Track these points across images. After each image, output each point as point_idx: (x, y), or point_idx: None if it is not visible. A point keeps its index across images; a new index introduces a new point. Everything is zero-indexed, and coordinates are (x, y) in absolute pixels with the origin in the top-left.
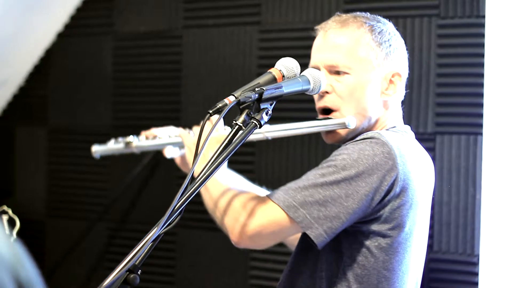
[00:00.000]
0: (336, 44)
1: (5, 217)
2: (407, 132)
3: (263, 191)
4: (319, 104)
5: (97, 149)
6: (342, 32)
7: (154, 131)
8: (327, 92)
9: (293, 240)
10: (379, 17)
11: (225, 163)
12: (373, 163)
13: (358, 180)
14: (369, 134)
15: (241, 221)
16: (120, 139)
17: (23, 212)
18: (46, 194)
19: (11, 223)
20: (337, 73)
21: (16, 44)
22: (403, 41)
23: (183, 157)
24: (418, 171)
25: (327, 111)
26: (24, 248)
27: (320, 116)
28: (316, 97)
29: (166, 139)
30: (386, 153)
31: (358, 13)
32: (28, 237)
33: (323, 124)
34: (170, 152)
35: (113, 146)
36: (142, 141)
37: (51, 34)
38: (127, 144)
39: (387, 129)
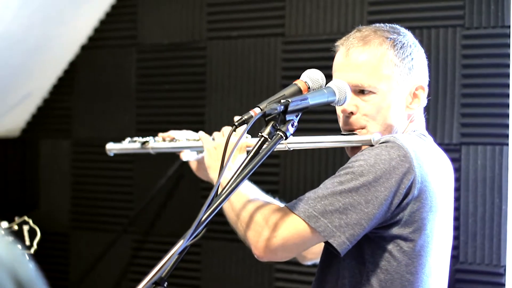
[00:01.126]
0: (360, 64)
1: (26, 228)
2: (425, 135)
3: (281, 205)
4: (345, 126)
5: (111, 147)
6: (364, 50)
7: (172, 133)
8: (352, 113)
9: (310, 255)
10: (398, 27)
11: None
12: (390, 167)
13: (377, 185)
14: (384, 138)
15: (264, 235)
16: (136, 138)
17: (47, 225)
18: (70, 206)
19: (32, 233)
20: (362, 92)
21: (40, 57)
22: (422, 50)
23: (199, 162)
24: (435, 173)
25: (352, 131)
26: (47, 260)
27: (345, 131)
28: (341, 116)
29: (184, 142)
30: (402, 156)
31: (377, 25)
32: (53, 249)
33: (348, 140)
34: (186, 156)
35: (128, 145)
36: (158, 142)
37: (75, 47)
38: (143, 144)
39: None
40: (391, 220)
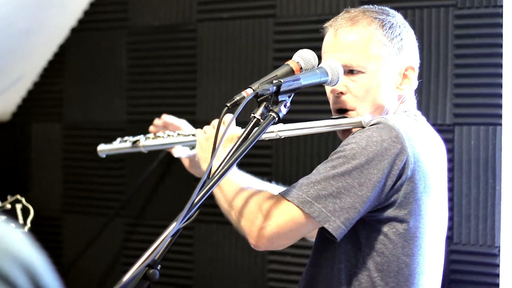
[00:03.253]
0: (348, 43)
1: (19, 206)
2: (417, 116)
3: (277, 188)
4: (335, 106)
5: (102, 148)
6: (352, 30)
7: (165, 118)
8: (341, 93)
9: (314, 233)
10: (387, 8)
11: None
12: (382, 149)
13: (369, 167)
14: (375, 119)
15: (258, 224)
16: (126, 137)
17: (39, 208)
18: (62, 190)
19: (25, 212)
20: (351, 72)
21: (30, 40)
22: (412, 32)
23: (191, 159)
24: (428, 153)
25: (343, 111)
26: (39, 244)
27: (335, 115)
28: (331, 97)
29: (175, 138)
30: (394, 137)
31: (366, 6)
32: (44, 233)
33: (338, 123)
34: (178, 152)
35: (119, 145)
36: (149, 140)
37: (65, 30)
38: (134, 143)
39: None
40: (386, 202)
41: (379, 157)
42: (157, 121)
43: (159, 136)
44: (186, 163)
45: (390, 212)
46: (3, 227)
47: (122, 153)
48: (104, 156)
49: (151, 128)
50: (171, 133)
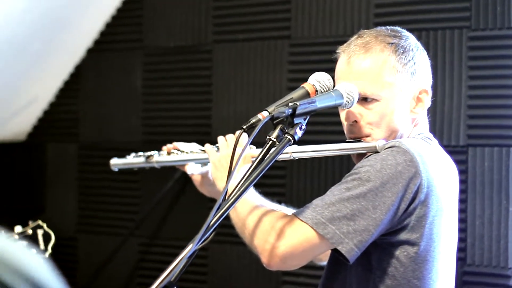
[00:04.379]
0: (362, 71)
1: (40, 232)
2: (430, 139)
3: (288, 210)
4: (350, 135)
5: (115, 162)
6: (366, 57)
7: (177, 144)
8: (355, 122)
9: (323, 256)
10: (400, 29)
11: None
12: (397, 172)
13: (384, 190)
14: (390, 143)
15: (271, 243)
16: (140, 153)
17: (54, 229)
18: (77, 210)
19: (46, 237)
20: (365, 100)
21: (46, 60)
22: (425, 52)
23: (203, 176)
24: (441, 177)
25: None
26: (55, 264)
27: (350, 139)
28: (345, 124)
29: (189, 155)
30: (409, 161)
31: (378, 29)
32: (60, 253)
33: (353, 147)
34: (191, 169)
35: (133, 160)
36: (163, 156)
37: (81, 50)
38: (147, 158)
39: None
40: (398, 225)
41: (393, 180)
42: (168, 146)
43: (172, 153)
44: (197, 181)
45: (402, 235)
46: (22, 250)
47: (135, 168)
48: (116, 170)
49: (164, 147)
50: (184, 150)
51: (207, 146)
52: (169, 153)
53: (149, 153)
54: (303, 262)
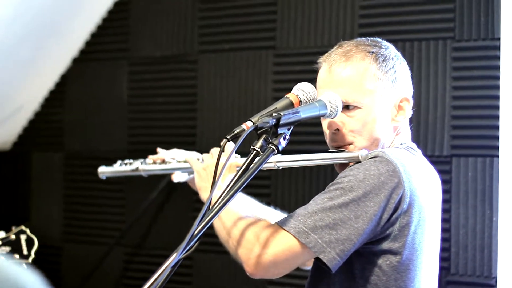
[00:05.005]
0: (343, 79)
1: (23, 237)
2: (414, 149)
3: (276, 213)
4: (333, 143)
5: (103, 171)
6: (346, 65)
7: (161, 154)
8: (338, 130)
9: (309, 262)
10: (379, 40)
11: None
12: (379, 182)
13: (366, 200)
14: (373, 153)
15: (255, 252)
16: (126, 161)
17: (39, 237)
18: (62, 219)
19: (30, 243)
20: (347, 108)
21: (31, 70)
22: (405, 61)
23: (191, 182)
24: (424, 187)
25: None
26: (39, 273)
27: (333, 147)
28: (327, 132)
29: (174, 164)
30: (391, 171)
31: (359, 39)
32: (45, 262)
33: (336, 157)
34: (178, 177)
35: (120, 168)
36: (149, 165)
37: (66, 60)
38: (134, 167)
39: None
40: (381, 235)
41: (376, 190)
42: (153, 157)
43: (157, 162)
44: (189, 182)
45: (384, 245)
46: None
47: (122, 176)
48: (104, 178)
49: (149, 157)
50: (170, 160)
51: (188, 156)
52: (154, 162)
53: (136, 161)
54: (286, 270)
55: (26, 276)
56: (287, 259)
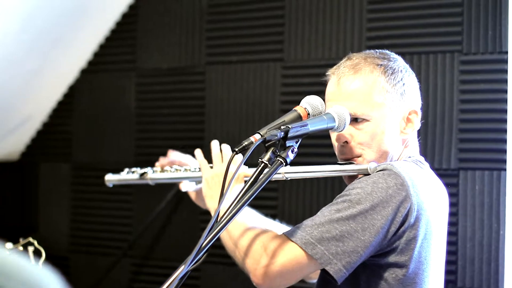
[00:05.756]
0: (351, 92)
1: (31, 249)
2: (422, 162)
3: (281, 226)
4: (341, 156)
5: (110, 178)
6: (355, 78)
7: (172, 155)
8: (346, 142)
9: (313, 275)
10: (388, 52)
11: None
12: (387, 195)
13: (373, 213)
14: (381, 166)
15: (262, 263)
16: (134, 169)
17: (47, 248)
18: (70, 230)
19: (37, 254)
20: (355, 120)
21: (40, 81)
22: (413, 74)
23: (198, 192)
24: (431, 201)
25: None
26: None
27: (341, 160)
28: (336, 145)
29: (183, 172)
30: (399, 185)
31: (367, 52)
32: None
33: (345, 169)
34: (185, 186)
35: (127, 176)
36: (157, 173)
37: (74, 71)
38: (142, 175)
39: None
40: (388, 248)
41: (383, 203)
42: (162, 160)
43: (166, 170)
44: (192, 195)
45: (391, 258)
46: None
47: (129, 184)
48: (111, 185)
49: (157, 163)
50: (178, 168)
51: (202, 160)
52: (163, 170)
53: (143, 169)
54: (292, 281)
55: (44, 276)
56: (293, 270)
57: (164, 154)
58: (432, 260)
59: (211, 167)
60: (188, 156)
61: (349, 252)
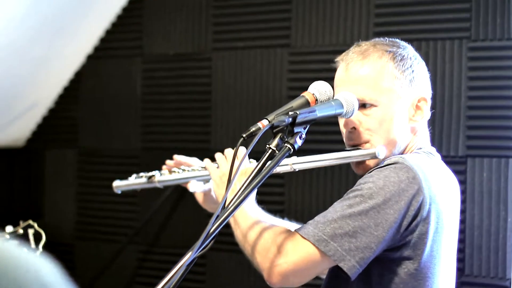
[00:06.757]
0: (360, 77)
1: (31, 231)
2: (433, 154)
3: (290, 224)
4: (349, 142)
5: (118, 185)
6: (364, 63)
7: (177, 158)
8: (354, 128)
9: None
10: (398, 40)
11: (255, 191)
12: (399, 189)
13: (386, 207)
14: (392, 159)
15: (273, 260)
16: (142, 173)
17: (52, 234)
18: (76, 216)
19: (37, 237)
20: (363, 106)
21: (46, 67)
22: (423, 63)
23: (206, 194)
24: (443, 193)
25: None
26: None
27: (349, 146)
28: (344, 131)
29: (190, 172)
30: (412, 178)
31: (377, 39)
32: (58, 259)
33: (352, 155)
34: (194, 186)
35: (135, 181)
36: (164, 175)
37: (81, 57)
38: (149, 178)
39: (412, 151)
40: (400, 242)
41: (396, 197)
42: (169, 162)
43: (173, 171)
44: (200, 198)
45: (403, 252)
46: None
47: (137, 189)
48: (119, 192)
49: (164, 166)
50: (185, 168)
51: (208, 163)
52: (170, 171)
53: (151, 173)
54: (305, 279)
55: (45, 267)
56: (307, 268)
57: (171, 140)
58: (444, 253)
59: (217, 168)
60: (194, 158)
61: (362, 248)
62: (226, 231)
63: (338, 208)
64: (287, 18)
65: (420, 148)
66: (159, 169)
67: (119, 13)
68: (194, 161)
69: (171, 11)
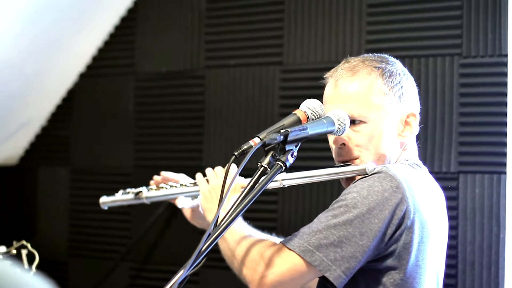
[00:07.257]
0: (349, 94)
1: (24, 252)
2: (419, 165)
3: (278, 240)
4: (339, 158)
5: (104, 201)
6: (353, 80)
7: (165, 174)
8: (344, 144)
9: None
10: (386, 56)
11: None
12: (383, 199)
13: (370, 217)
14: (376, 169)
15: (260, 272)
16: (129, 189)
17: (45, 252)
18: (69, 234)
19: (31, 258)
20: (353, 122)
21: (38, 85)
22: (412, 78)
23: (193, 210)
24: (427, 203)
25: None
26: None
27: (339, 162)
28: (333, 147)
29: (178, 188)
30: (395, 187)
31: (366, 55)
32: (51, 277)
33: (342, 171)
34: (181, 202)
35: (122, 197)
36: (152, 191)
37: (73, 75)
38: (137, 194)
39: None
40: (385, 251)
41: (380, 206)
42: (156, 177)
43: (161, 187)
44: (187, 214)
45: (388, 262)
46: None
47: (124, 205)
48: (106, 208)
49: (152, 181)
50: (173, 184)
51: (199, 176)
52: (158, 187)
53: (138, 189)
54: None
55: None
56: (292, 279)
57: (163, 158)
58: (429, 263)
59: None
60: (181, 174)
61: (347, 258)
62: (219, 249)
63: (322, 219)
64: (279, 35)
65: (407, 160)
66: None
67: (111, 31)
68: (181, 177)
69: (163, 29)
